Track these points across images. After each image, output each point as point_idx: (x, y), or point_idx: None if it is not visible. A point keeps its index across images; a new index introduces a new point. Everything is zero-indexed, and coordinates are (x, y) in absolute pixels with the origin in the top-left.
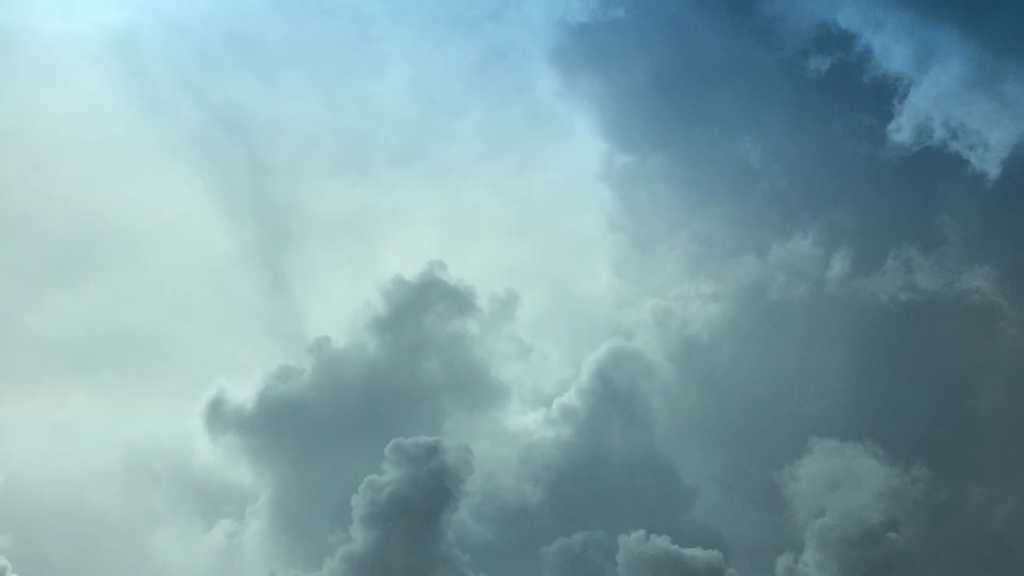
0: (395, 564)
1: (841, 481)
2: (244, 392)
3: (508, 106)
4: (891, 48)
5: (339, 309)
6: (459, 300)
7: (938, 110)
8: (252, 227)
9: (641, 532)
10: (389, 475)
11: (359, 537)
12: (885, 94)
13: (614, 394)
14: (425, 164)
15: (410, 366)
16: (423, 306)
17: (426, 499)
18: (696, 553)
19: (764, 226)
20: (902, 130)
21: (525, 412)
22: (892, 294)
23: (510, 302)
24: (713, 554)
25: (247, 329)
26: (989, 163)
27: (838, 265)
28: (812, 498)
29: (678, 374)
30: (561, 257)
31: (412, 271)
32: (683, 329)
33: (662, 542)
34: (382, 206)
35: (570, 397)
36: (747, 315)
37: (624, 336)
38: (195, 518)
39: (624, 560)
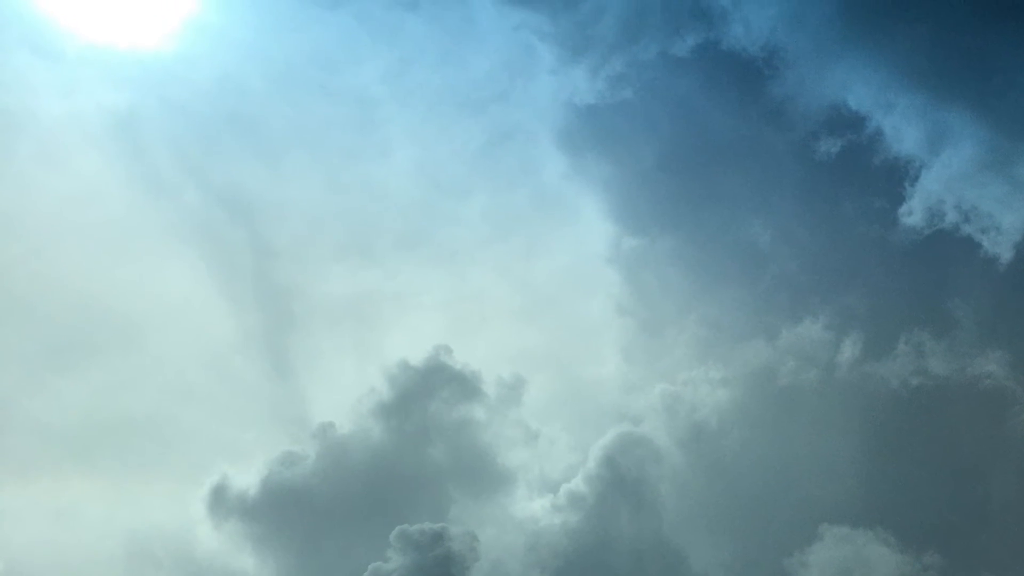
0: None
1: (852, 569)
2: (247, 478)
3: (514, 188)
4: (902, 130)
5: (343, 394)
6: (465, 385)
7: (950, 192)
8: (255, 311)
9: None
10: (394, 562)
11: None
12: (896, 176)
13: (622, 480)
14: (430, 247)
15: (415, 452)
16: (428, 391)
17: None
18: None
19: (774, 310)
20: (913, 213)
21: (532, 498)
22: (903, 379)
23: (516, 387)
24: None
25: (250, 414)
26: (1002, 246)
27: (849, 350)
28: None
29: (687, 460)
30: (568, 341)
31: (417, 356)
32: (692, 414)
33: None
34: (387, 290)
35: (577, 483)
36: (756, 400)
37: (632, 421)
38: None
39: None
